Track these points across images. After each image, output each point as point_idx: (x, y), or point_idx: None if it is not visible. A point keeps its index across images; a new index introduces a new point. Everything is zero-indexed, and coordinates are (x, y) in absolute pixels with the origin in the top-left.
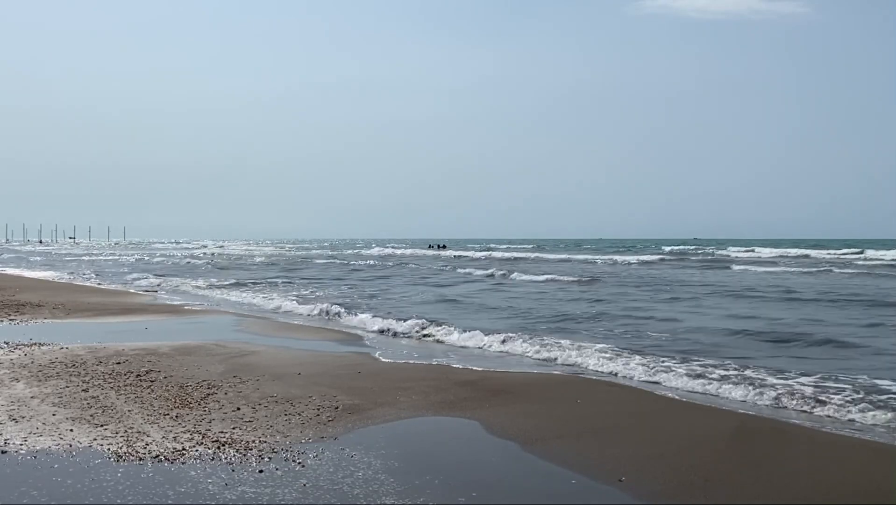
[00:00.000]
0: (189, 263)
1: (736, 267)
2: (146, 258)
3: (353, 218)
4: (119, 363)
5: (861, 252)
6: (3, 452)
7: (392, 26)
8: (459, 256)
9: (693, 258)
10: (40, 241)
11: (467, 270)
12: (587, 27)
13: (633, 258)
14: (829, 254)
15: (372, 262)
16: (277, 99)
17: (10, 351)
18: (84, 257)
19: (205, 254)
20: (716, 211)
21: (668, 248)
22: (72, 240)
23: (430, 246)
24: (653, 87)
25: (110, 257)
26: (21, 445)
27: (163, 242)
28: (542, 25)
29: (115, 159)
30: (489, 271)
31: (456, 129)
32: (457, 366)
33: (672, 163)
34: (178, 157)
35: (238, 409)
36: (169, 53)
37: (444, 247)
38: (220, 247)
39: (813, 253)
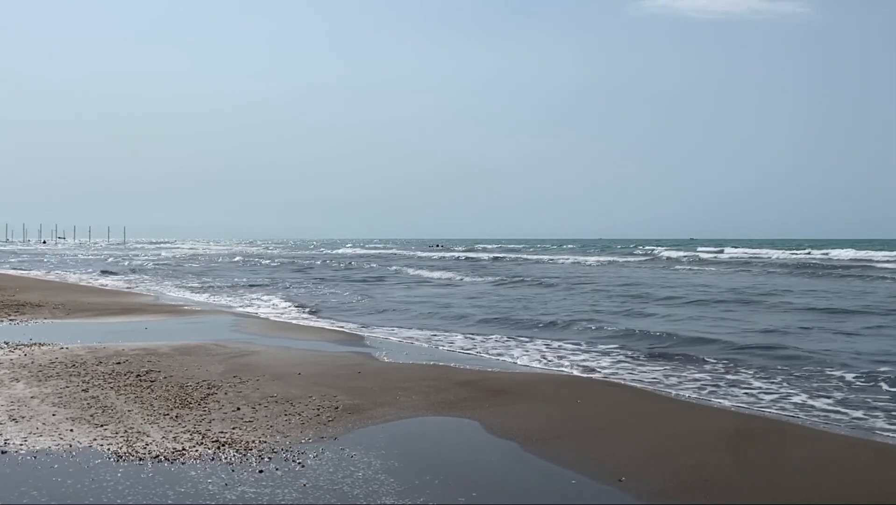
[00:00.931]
0: (142, 263)
1: (678, 267)
2: (105, 257)
3: (354, 218)
4: (119, 363)
5: (827, 253)
6: (3, 452)
7: (392, 26)
8: (424, 256)
9: (656, 259)
10: (44, 242)
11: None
12: (587, 27)
13: (593, 259)
14: (786, 255)
15: (327, 261)
16: (277, 99)
17: (10, 351)
18: (45, 256)
19: (174, 256)
20: (715, 210)
21: (642, 249)
22: (62, 240)
23: (430, 246)
24: (653, 87)
25: (80, 256)
26: (21, 445)
27: (153, 243)
28: (542, 25)
29: (115, 160)
30: (439, 274)
31: (456, 129)
32: (457, 366)
33: (671, 162)
34: (179, 158)
35: (238, 409)
36: (169, 53)
37: (441, 246)
38: (193, 248)
39: (776, 254)
